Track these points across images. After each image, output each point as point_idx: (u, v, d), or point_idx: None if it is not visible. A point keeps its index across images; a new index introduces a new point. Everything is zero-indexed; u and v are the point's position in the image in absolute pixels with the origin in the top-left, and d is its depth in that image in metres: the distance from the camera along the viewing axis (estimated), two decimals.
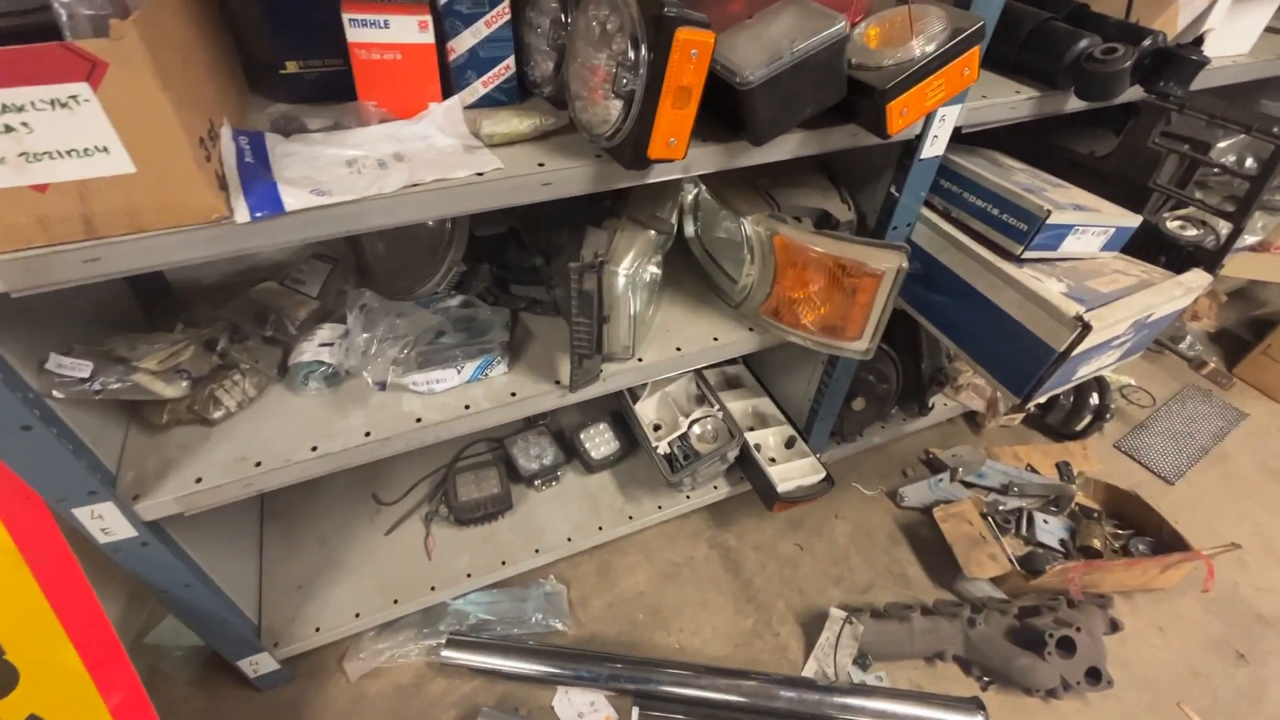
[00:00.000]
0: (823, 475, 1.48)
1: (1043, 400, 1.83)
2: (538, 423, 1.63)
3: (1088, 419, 1.78)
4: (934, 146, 1.01)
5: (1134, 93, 1.10)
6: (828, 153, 0.99)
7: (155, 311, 1.13)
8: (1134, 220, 1.10)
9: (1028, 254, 1.01)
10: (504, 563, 1.38)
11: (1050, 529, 1.59)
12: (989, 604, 1.41)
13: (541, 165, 0.78)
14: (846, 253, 0.97)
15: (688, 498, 1.52)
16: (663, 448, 1.42)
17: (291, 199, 0.67)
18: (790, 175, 1.15)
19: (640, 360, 1.11)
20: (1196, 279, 1.05)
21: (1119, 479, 1.77)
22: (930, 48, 0.79)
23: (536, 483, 1.51)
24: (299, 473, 0.94)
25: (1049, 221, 0.98)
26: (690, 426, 1.43)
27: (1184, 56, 1.00)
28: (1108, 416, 1.78)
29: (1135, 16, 1.15)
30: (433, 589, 1.33)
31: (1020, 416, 1.87)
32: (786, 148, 0.89)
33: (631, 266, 0.95)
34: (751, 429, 1.56)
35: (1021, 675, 1.30)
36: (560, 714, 1.26)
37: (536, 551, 1.40)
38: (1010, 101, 1.04)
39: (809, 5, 0.79)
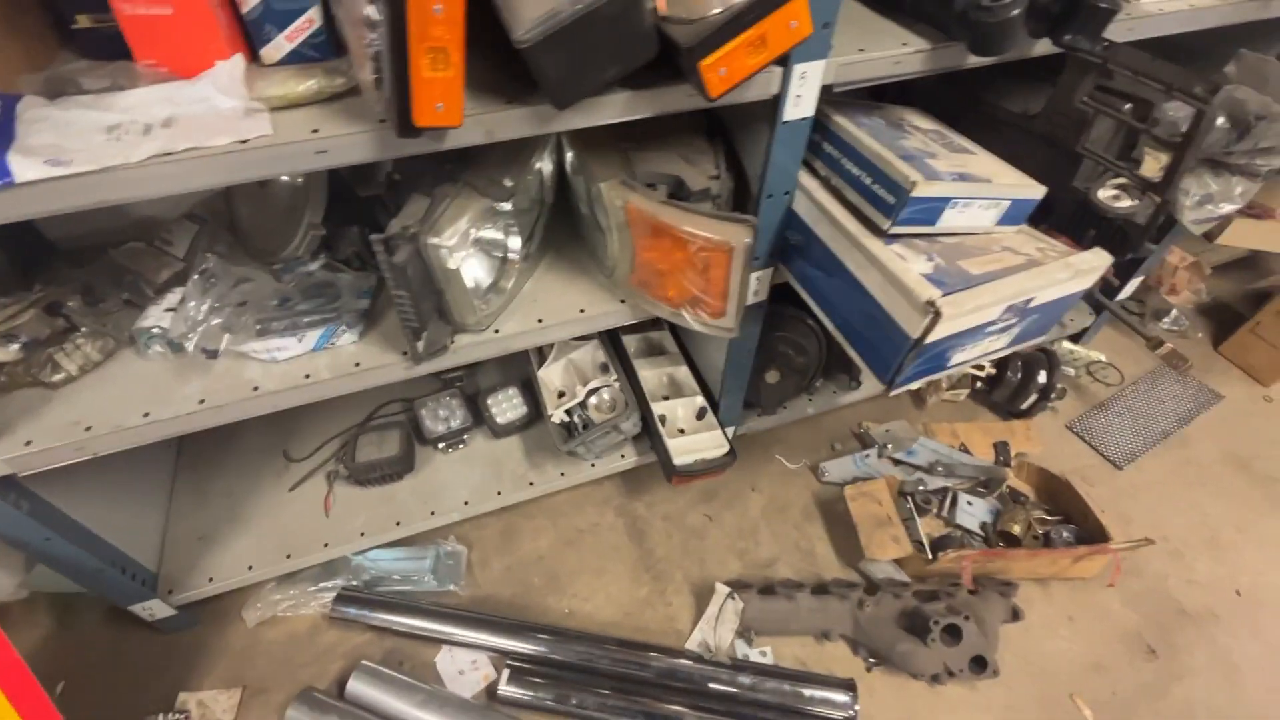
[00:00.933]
0: (726, 449, 1.44)
1: (991, 373, 1.74)
2: (454, 384, 1.63)
3: (1033, 398, 1.69)
4: (799, 107, 0.91)
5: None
6: (706, 111, 0.92)
7: (33, 271, 1.14)
8: (1036, 191, 0.99)
9: (897, 229, 0.92)
10: (398, 523, 1.40)
11: (973, 511, 1.53)
12: (885, 586, 1.38)
13: (316, 132, 0.73)
14: (686, 224, 0.90)
15: (592, 465, 1.51)
16: (559, 415, 1.40)
17: (23, 169, 0.65)
18: (665, 137, 1.07)
19: (497, 332, 1.07)
20: (1093, 260, 0.95)
21: (1064, 462, 1.69)
22: (736, 3, 0.70)
23: (441, 445, 1.52)
24: (132, 438, 0.95)
25: (916, 194, 0.88)
26: (588, 395, 1.40)
27: (1090, 4, 0.87)
28: (1053, 396, 1.68)
29: None
30: (326, 546, 1.36)
31: (965, 393, 1.78)
32: (610, 110, 0.82)
33: (457, 237, 0.91)
34: (667, 398, 1.52)
35: (903, 660, 1.27)
36: (442, 670, 1.30)
37: (432, 514, 1.42)
38: (894, 56, 0.93)
39: None
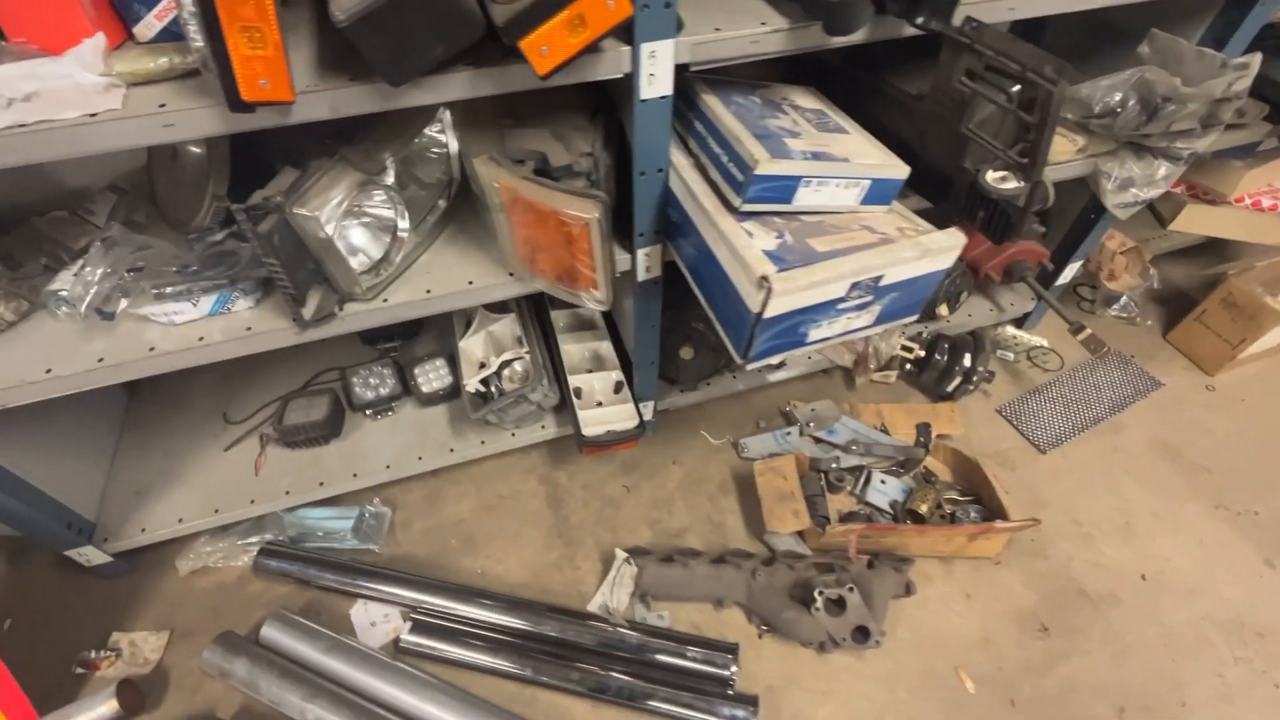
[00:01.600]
0: (636, 422, 1.49)
1: (920, 355, 1.75)
2: (388, 355, 1.69)
3: (957, 380, 1.69)
4: (655, 86, 0.94)
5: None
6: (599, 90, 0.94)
7: None
8: (898, 171, 1.01)
9: (749, 206, 0.95)
10: (322, 484, 1.47)
11: (884, 490, 1.56)
12: (784, 558, 1.42)
13: (163, 106, 0.78)
14: (542, 199, 0.94)
15: (513, 435, 1.57)
16: (474, 385, 1.45)
17: None
18: (549, 115, 1.10)
19: (385, 301, 1.13)
20: (945, 240, 0.96)
21: (988, 445, 1.70)
22: None
23: (369, 412, 1.59)
24: (36, 392, 1.02)
25: (760, 171, 0.91)
26: (502, 367, 1.46)
27: None
28: (975, 379, 1.68)
29: None
30: (252, 502, 1.44)
31: (895, 374, 1.80)
32: (455, 88, 0.86)
33: (328, 208, 0.96)
34: (590, 371, 1.57)
35: (788, 627, 1.32)
36: (355, 621, 1.38)
37: (354, 476, 1.49)
38: (752, 35, 0.94)
39: None
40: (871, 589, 1.34)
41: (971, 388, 1.70)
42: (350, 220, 1.03)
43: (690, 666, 1.27)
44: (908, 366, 1.77)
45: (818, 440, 1.68)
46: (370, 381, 1.60)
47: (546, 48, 0.78)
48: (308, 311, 1.05)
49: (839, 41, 0.98)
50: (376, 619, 1.38)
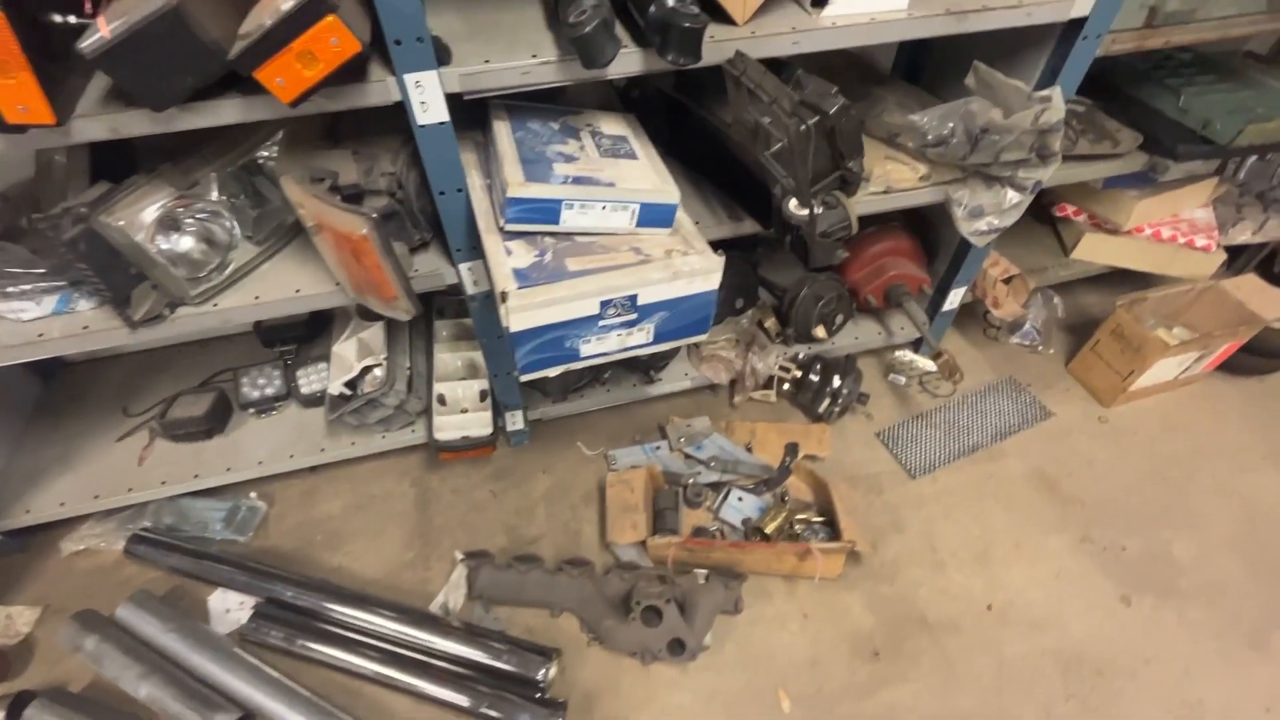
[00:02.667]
0: (490, 429, 1.54)
1: (797, 376, 1.75)
2: (283, 356, 1.79)
3: (826, 402, 1.71)
4: (429, 114, 1.01)
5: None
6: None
7: None
8: (668, 196, 1.05)
9: (513, 226, 1.01)
10: (196, 476, 1.57)
11: (740, 507, 1.58)
12: (621, 569, 1.45)
13: None
14: (322, 215, 1.01)
15: (382, 437, 1.64)
16: (337, 387, 1.53)
17: None
18: (364, 136, 1.18)
19: (215, 305, 1.21)
20: (700, 263, 1.00)
21: (858, 468, 1.71)
22: (267, 21, 0.80)
23: (252, 410, 1.68)
24: None
25: (512, 194, 0.97)
26: (363, 372, 1.53)
27: (675, 21, 0.93)
28: (841, 401, 1.69)
29: None
30: (130, 490, 1.54)
31: (773, 393, 1.81)
32: (227, 112, 0.94)
33: (137, 218, 1.05)
34: (464, 379, 1.64)
35: (609, 635, 1.35)
36: (212, 608, 1.46)
37: (228, 470, 1.58)
38: (522, 66, 1.01)
39: None
40: (697, 603, 1.37)
41: (837, 410, 1.71)
42: (171, 230, 1.12)
43: (504, 669, 1.31)
44: (786, 386, 1.79)
45: (687, 456, 1.71)
46: (258, 381, 1.70)
47: (282, 79, 0.85)
48: (136, 313, 1.14)
49: (614, 73, 1.04)
50: (231, 606, 1.46)
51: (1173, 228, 1.84)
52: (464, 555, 1.44)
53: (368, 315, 1.63)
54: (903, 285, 1.73)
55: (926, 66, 1.70)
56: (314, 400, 1.67)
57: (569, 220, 1.02)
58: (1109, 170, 1.60)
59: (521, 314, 0.94)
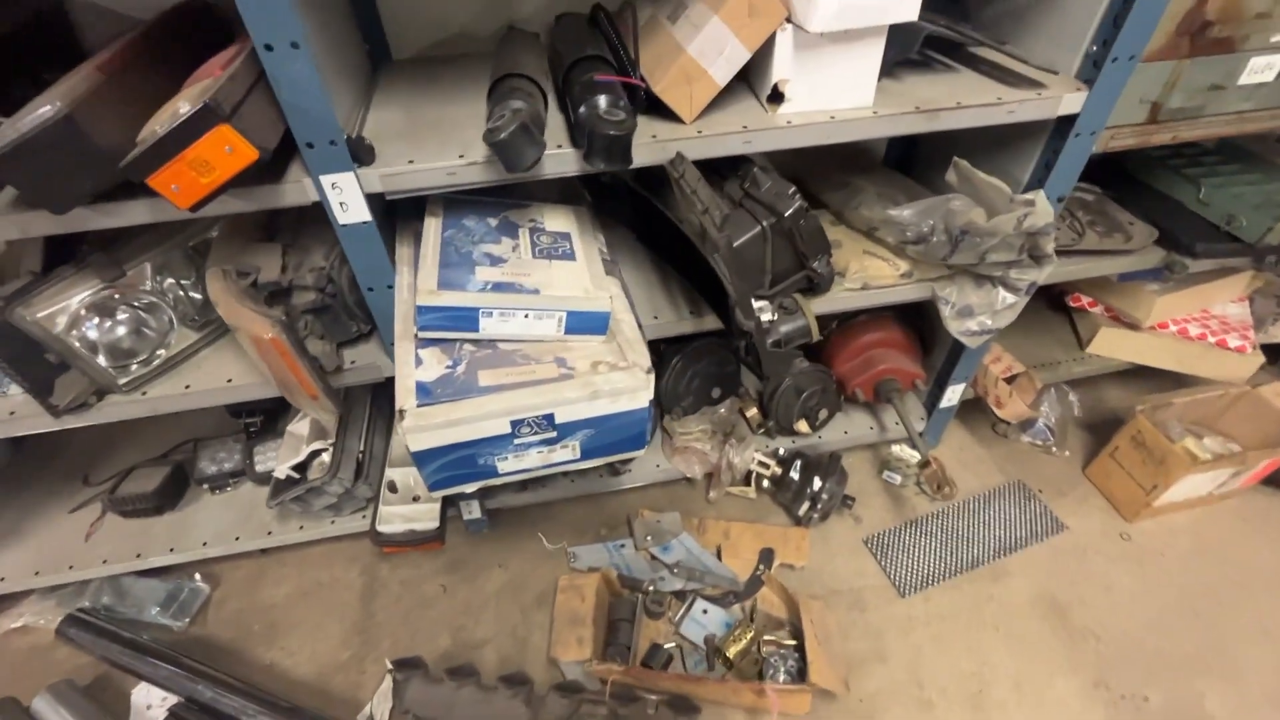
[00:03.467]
0: (437, 523, 1.45)
1: (777, 473, 1.61)
2: (248, 430, 1.75)
3: (805, 505, 1.56)
4: (349, 213, 0.96)
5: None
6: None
7: None
8: (598, 304, 0.97)
9: (426, 333, 0.94)
10: (139, 555, 1.51)
11: (704, 622, 1.44)
12: (561, 690, 1.32)
13: None
14: (233, 314, 0.96)
15: (332, 523, 1.56)
16: (283, 471, 1.47)
17: None
18: (302, 228, 1.14)
19: (144, 394, 1.17)
20: (625, 381, 0.91)
21: (841, 581, 1.55)
22: (159, 130, 0.77)
23: (206, 486, 1.63)
24: None
25: (422, 303, 0.90)
26: (311, 456, 1.47)
27: (599, 129, 0.87)
28: (820, 504, 1.55)
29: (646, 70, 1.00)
30: (70, 568, 1.50)
31: (752, 490, 1.68)
32: (133, 213, 0.91)
33: (60, 310, 1.02)
34: None
35: None
36: (135, 702, 1.38)
37: (171, 550, 1.52)
38: (448, 167, 0.96)
39: (66, 86, 0.80)
40: None
41: (817, 514, 1.56)
42: (99, 319, 1.09)
43: None
44: (765, 483, 1.66)
45: (653, 556, 1.58)
46: (218, 455, 1.65)
47: (177, 186, 0.81)
48: (60, 401, 1.10)
49: (547, 173, 0.98)
50: (154, 703, 1.38)
51: (1201, 325, 1.67)
52: (393, 665, 1.34)
53: None
54: (894, 380, 1.60)
55: (918, 154, 1.61)
56: (269, 479, 1.62)
57: (489, 328, 0.95)
58: (1121, 266, 1.46)
59: (420, 435, 0.86)
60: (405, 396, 0.87)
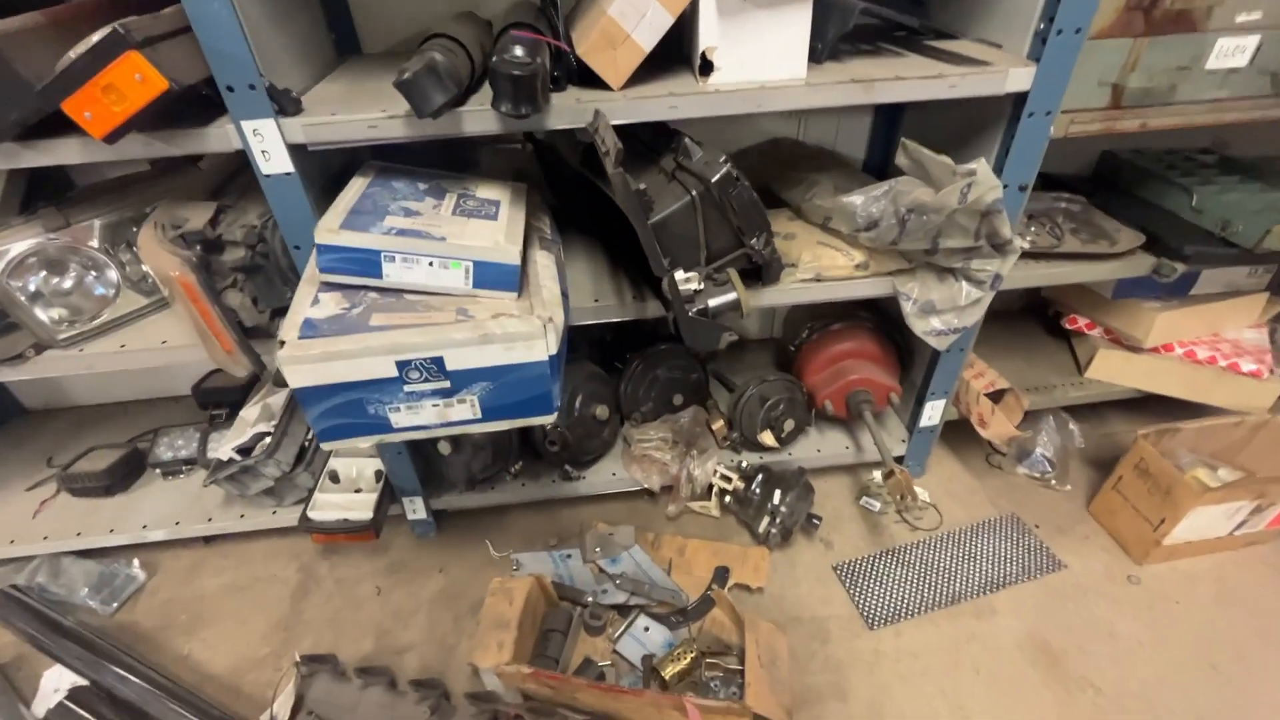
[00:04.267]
0: (370, 515, 1.40)
1: (739, 488, 1.50)
2: (214, 420, 1.75)
3: (765, 520, 1.45)
4: (272, 164, 0.98)
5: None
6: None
7: None
8: (506, 256, 0.94)
9: (327, 276, 0.92)
10: (79, 534, 1.49)
11: (644, 640, 1.32)
12: (476, 698, 1.20)
13: None
14: (151, 256, 0.97)
15: (274, 513, 1.52)
16: (226, 452, 1.45)
17: None
18: (247, 195, 1.17)
19: (81, 350, 1.18)
20: (518, 327, 0.86)
21: (806, 607, 1.41)
22: (72, 55, 0.81)
23: (159, 471, 1.62)
24: None
25: (320, 241, 0.89)
26: (255, 439, 1.45)
27: (501, 70, 0.86)
28: (779, 521, 1.42)
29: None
30: (11, 542, 1.48)
31: (714, 507, 1.57)
32: (66, 152, 0.94)
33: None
34: (372, 455, 1.53)
35: None
36: (44, 684, 1.32)
37: (111, 531, 1.50)
38: (369, 119, 0.97)
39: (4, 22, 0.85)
40: None
41: (776, 530, 1.44)
42: (45, 271, 1.12)
43: None
44: (727, 499, 1.55)
45: (600, 569, 1.47)
46: (176, 443, 1.65)
47: (90, 113, 0.84)
48: None
49: (477, 128, 0.98)
50: (61, 686, 1.31)
51: (1211, 348, 1.53)
52: (301, 659, 1.25)
53: (282, 380, 1.58)
54: (864, 392, 1.50)
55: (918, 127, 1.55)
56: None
57: (392, 275, 0.93)
58: (1106, 272, 1.36)
59: (297, 367, 0.83)
60: (289, 329, 0.84)
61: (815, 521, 1.49)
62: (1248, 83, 1.13)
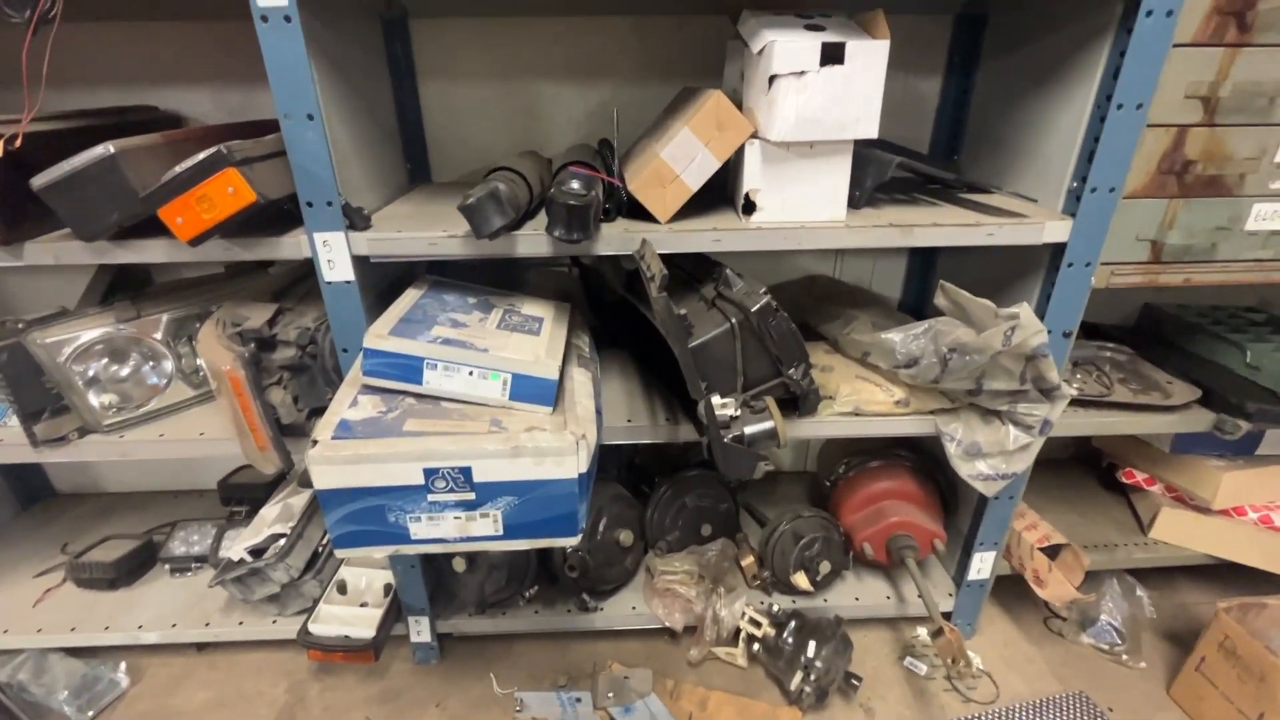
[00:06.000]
0: (371, 634, 1.31)
1: (769, 634, 1.38)
2: (234, 516, 1.72)
3: (798, 677, 1.30)
4: (336, 272, 1.04)
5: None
6: None
7: None
8: (548, 371, 0.95)
9: (370, 380, 0.94)
10: (73, 629, 1.43)
11: None
12: None
13: None
14: (206, 349, 1.01)
15: (274, 622, 1.44)
16: (238, 552, 1.41)
17: None
18: (307, 299, 1.24)
19: (122, 437, 1.20)
20: (552, 441, 0.85)
21: None
22: (177, 169, 0.90)
23: (168, 567, 1.58)
24: None
25: (368, 345, 0.91)
26: (269, 540, 1.41)
27: (558, 199, 0.93)
28: (813, 677, 1.28)
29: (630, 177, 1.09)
30: (5, 632, 1.43)
31: (741, 655, 1.43)
32: (153, 252, 1.02)
33: (69, 343, 1.11)
34: (385, 567, 1.47)
35: None
36: None
37: (106, 629, 1.43)
38: (430, 238, 1.04)
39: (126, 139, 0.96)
40: None
41: (809, 689, 1.29)
42: (106, 357, 1.18)
43: None
44: (756, 647, 1.41)
45: (612, 718, 1.33)
46: (191, 538, 1.62)
47: (181, 219, 0.92)
48: (41, 431, 1.15)
49: (530, 250, 1.04)
50: None
51: None
52: None
53: (307, 480, 1.56)
54: (907, 536, 1.41)
55: (929, 301, 1.60)
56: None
57: (433, 382, 0.94)
58: (1162, 425, 1.30)
59: (326, 468, 0.82)
60: (324, 429, 0.85)
61: (854, 682, 1.33)
62: None
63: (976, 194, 1.26)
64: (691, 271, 1.23)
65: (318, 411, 1.24)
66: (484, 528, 0.90)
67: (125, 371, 1.21)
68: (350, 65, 1.10)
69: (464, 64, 1.41)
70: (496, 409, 0.96)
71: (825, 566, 1.44)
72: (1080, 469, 1.80)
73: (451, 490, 0.86)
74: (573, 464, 0.86)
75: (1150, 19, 0.93)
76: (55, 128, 1.09)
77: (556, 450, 0.86)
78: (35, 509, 1.84)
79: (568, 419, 0.95)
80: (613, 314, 1.52)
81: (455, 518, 0.89)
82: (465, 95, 1.44)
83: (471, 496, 0.87)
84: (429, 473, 0.84)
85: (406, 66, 1.38)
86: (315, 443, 0.83)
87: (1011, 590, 1.54)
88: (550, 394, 0.96)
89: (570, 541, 0.93)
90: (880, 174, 1.12)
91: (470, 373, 0.94)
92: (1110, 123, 1.00)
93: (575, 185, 0.96)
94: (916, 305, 1.66)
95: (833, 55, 0.94)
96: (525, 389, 0.95)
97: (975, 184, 1.30)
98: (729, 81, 1.24)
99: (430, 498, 0.86)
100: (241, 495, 1.75)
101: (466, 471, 0.85)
